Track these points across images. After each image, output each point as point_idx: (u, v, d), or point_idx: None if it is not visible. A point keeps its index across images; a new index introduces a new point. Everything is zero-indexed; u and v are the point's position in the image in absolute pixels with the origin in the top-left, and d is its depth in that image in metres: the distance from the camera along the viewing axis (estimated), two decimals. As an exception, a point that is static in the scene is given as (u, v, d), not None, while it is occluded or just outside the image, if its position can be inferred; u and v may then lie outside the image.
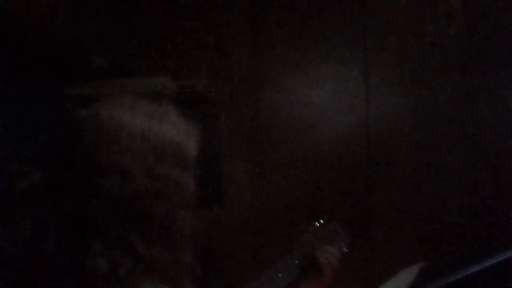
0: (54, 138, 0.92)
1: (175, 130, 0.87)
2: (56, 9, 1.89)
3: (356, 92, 2.53)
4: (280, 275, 1.13)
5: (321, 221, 1.22)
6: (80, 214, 0.81)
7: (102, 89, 2.39)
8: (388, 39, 2.52)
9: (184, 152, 0.86)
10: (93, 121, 0.85)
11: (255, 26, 2.59)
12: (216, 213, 2.53)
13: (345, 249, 1.22)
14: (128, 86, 2.43)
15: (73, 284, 0.81)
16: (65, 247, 0.81)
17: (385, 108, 2.51)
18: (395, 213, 2.48)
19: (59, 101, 2.23)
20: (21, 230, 0.84)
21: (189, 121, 0.90)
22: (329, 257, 1.16)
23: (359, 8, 2.53)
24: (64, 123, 0.93)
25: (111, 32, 2.51)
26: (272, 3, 2.59)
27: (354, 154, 2.52)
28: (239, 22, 2.60)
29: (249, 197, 2.56)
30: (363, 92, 2.53)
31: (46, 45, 1.92)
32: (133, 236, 0.80)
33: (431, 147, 2.47)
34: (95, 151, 0.80)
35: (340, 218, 2.48)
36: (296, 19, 2.57)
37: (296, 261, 1.16)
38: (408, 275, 1.27)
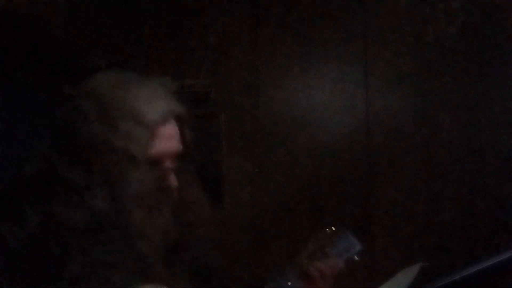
0: (54, 137, 0.95)
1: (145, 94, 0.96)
2: (56, 9, 1.89)
3: (356, 92, 2.53)
4: (289, 283, 1.12)
5: (332, 228, 1.20)
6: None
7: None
8: (388, 39, 2.52)
9: (142, 112, 0.93)
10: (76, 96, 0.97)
11: (255, 26, 2.59)
12: (216, 213, 2.53)
13: (356, 258, 1.20)
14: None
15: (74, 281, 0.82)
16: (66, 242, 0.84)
17: (385, 108, 2.51)
18: (395, 213, 2.48)
19: (59, 101, 2.22)
20: (25, 225, 0.86)
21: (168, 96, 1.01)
22: (323, 269, 1.14)
23: (359, 8, 2.54)
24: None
25: (111, 32, 2.51)
26: (272, 3, 2.59)
27: (354, 154, 2.52)
28: (239, 22, 2.60)
29: (249, 197, 2.56)
30: (363, 92, 2.53)
31: (46, 45, 1.92)
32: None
33: (431, 147, 2.48)
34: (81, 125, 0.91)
35: (340, 218, 2.49)
36: (296, 19, 2.57)
37: (305, 268, 1.14)
38: (408, 275, 1.27)
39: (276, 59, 2.58)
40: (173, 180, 0.96)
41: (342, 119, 2.54)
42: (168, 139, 0.97)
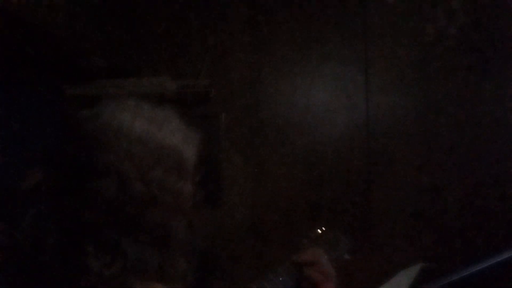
0: (55, 138, 0.94)
1: (175, 135, 0.87)
2: (56, 9, 1.89)
3: (356, 92, 2.53)
4: (280, 278, 1.13)
5: (323, 228, 1.21)
6: (77, 215, 0.81)
7: (102, 89, 2.39)
8: (388, 39, 2.52)
9: (181, 158, 0.87)
10: (93, 122, 0.85)
11: (255, 26, 2.59)
12: (216, 213, 2.53)
13: (346, 256, 1.21)
14: (128, 86, 2.43)
15: (67, 283, 0.81)
16: (62, 246, 0.82)
17: (385, 108, 2.51)
18: (395, 213, 2.48)
19: (60, 101, 2.23)
20: (22, 228, 0.85)
21: (190, 126, 0.91)
22: (321, 273, 1.13)
23: (359, 8, 2.54)
24: (65, 123, 0.95)
25: (111, 32, 2.51)
26: (272, 3, 2.59)
27: (354, 154, 2.52)
28: (239, 22, 2.60)
29: (249, 197, 2.56)
30: (363, 92, 2.53)
31: (46, 45, 1.92)
32: (125, 240, 0.80)
33: (431, 147, 2.48)
34: (94, 152, 0.81)
35: (340, 218, 2.49)
36: (296, 19, 2.57)
37: (296, 266, 1.15)
38: (408, 275, 1.27)
39: (276, 59, 2.58)
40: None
41: (342, 119, 2.54)
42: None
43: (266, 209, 2.55)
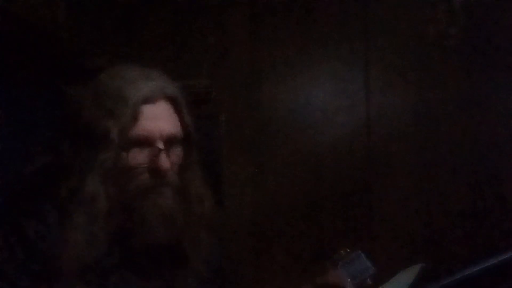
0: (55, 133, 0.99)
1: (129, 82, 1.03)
2: (56, 9, 1.89)
3: (356, 92, 2.53)
4: None
5: (347, 249, 1.20)
6: None
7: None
8: (388, 39, 2.52)
9: (121, 97, 0.98)
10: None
11: (255, 26, 2.59)
12: (216, 213, 2.53)
13: (369, 281, 1.20)
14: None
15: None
16: None
17: (385, 108, 2.51)
18: (395, 213, 2.48)
19: (59, 101, 2.22)
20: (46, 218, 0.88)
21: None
22: None
23: (359, 8, 2.54)
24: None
25: (111, 32, 2.51)
26: (272, 2, 2.59)
27: (354, 154, 2.52)
28: (239, 22, 2.60)
29: (249, 197, 2.56)
30: (363, 92, 2.53)
31: (46, 45, 1.92)
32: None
33: (431, 147, 2.48)
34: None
35: (340, 218, 2.49)
36: (296, 18, 2.57)
37: None
38: (408, 275, 1.27)
39: (276, 59, 2.58)
40: (164, 162, 0.95)
41: (343, 119, 2.54)
42: (154, 120, 0.97)
43: (265, 209, 2.55)
